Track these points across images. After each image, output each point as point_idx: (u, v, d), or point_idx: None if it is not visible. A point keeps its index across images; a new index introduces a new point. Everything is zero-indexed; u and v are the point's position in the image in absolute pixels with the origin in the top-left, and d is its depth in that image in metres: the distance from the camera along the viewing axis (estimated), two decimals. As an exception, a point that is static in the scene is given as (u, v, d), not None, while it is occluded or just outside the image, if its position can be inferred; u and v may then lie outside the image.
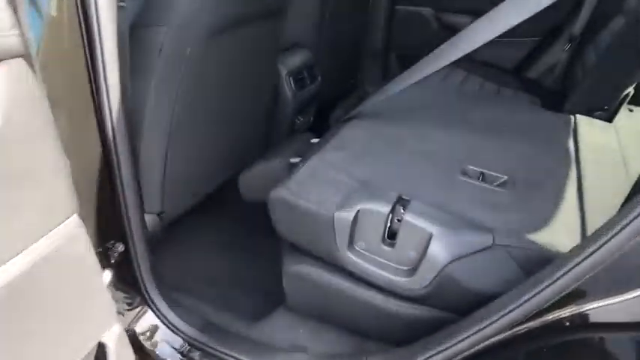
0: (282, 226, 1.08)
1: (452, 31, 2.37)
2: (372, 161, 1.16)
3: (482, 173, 1.18)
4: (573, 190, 1.20)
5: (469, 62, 1.85)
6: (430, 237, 0.94)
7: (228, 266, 1.51)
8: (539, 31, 2.09)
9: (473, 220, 1.00)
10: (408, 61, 2.49)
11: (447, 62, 1.22)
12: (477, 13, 2.32)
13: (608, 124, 1.60)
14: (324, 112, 2.05)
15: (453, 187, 1.11)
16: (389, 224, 0.98)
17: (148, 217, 1.23)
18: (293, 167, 1.26)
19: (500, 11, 1.12)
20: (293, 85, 1.71)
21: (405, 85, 1.31)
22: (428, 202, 1.02)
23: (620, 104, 1.61)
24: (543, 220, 1.04)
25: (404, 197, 1.00)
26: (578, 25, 1.92)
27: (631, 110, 1.70)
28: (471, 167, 1.19)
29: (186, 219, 1.43)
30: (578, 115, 1.59)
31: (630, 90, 1.58)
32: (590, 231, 1.06)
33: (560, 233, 1.02)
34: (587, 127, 1.53)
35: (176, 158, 1.23)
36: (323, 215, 1.00)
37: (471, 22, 2.27)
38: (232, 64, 1.25)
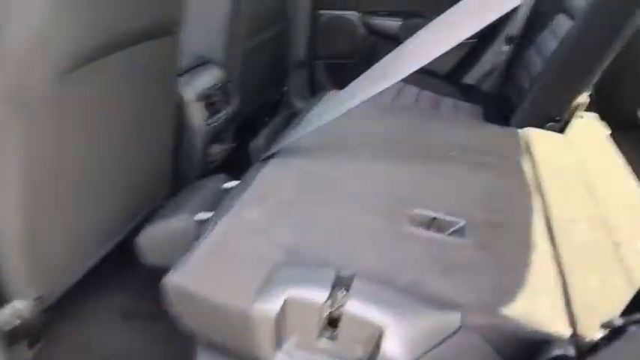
0: (185, 320, 0.81)
1: (380, 35, 2.21)
2: (300, 216, 0.92)
3: (434, 219, 0.97)
4: (542, 227, 1.01)
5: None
6: (381, 331, 0.70)
7: (134, 341, 1.23)
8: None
9: (432, 294, 0.78)
10: (337, 69, 2.31)
11: (391, 82, 0.99)
12: (406, 16, 2.20)
13: (560, 136, 1.44)
14: (247, 136, 1.78)
15: (403, 245, 0.88)
16: (327, 313, 0.73)
17: (22, 304, 0.94)
18: (201, 226, 0.99)
19: (454, 17, 0.90)
20: (203, 110, 1.43)
21: (341, 111, 1.07)
22: (373, 274, 0.79)
23: (572, 114, 1.46)
24: (518, 281, 0.83)
25: (343, 275, 0.76)
26: (516, 25, 1.76)
27: (581, 117, 1.56)
28: (420, 212, 0.97)
29: (77, 287, 1.13)
30: (528, 129, 1.43)
31: (584, 98, 1.43)
32: (570, 283, 0.87)
33: (539, 297, 0.82)
34: (541, 143, 1.36)
35: (45, 228, 0.93)
36: (237, 308, 0.74)
37: (400, 25, 2.14)
38: (110, 98, 0.96)
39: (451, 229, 0.96)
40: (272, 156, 1.12)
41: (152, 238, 1.06)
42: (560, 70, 1.40)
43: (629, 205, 1.16)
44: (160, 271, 0.82)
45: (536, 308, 0.80)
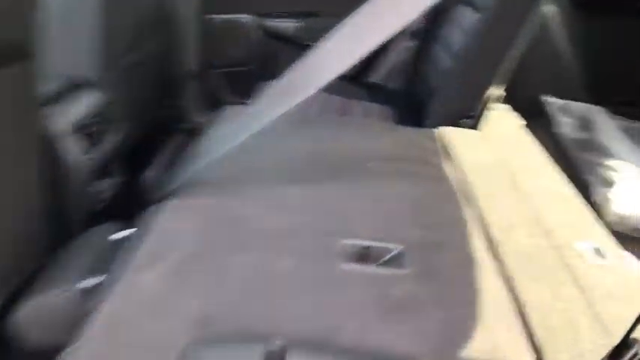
0: None
1: (277, 38, 2.07)
2: (209, 274, 0.75)
3: (366, 248, 0.85)
4: (482, 239, 0.93)
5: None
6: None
7: None
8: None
9: (378, 347, 0.66)
10: (234, 78, 2.14)
11: (307, 95, 0.85)
12: (303, 16, 2.07)
13: (476, 132, 1.39)
14: (141, 164, 1.56)
15: (336, 290, 0.75)
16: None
17: None
18: (87, 296, 0.80)
19: (368, 18, 0.77)
20: (81, 142, 1.21)
21: (248, 133, 0.91)
22: (309, 336, 0.65)
23: (485, 107, 1.41)
24: (469, 313, 0.74)
25: (274, 349, 0.61)
26: (420, 19, 1.70)
27: (494, 109, 1.52)
28: (350, 242, 0.84)
29: None
30: (443, 129, 1.36)
31: (498, 90, 1.39)
32: (523, 302, 0.79)
33: (496, 328, 0.72)
34: (459, 142, 1.29)
35: None
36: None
37: (298, 26, 2.01)
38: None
39: (387, 257, 0.84)
40: (170, 194, 0.94)
41: (26, 318, 0.84)
42: (469, 64, 1.34)
43: (559, 199, 1.12)
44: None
45: (495, 342, 0.71)
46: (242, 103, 1.73)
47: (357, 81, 1.86)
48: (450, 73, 1.39)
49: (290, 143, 1.13)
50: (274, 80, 1.70)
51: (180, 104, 1.96)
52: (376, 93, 1.79)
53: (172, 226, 0.84)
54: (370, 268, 0.80)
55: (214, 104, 1.90)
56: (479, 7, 1.27)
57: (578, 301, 0.81)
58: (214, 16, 1.89)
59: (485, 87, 1.36)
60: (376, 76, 1.86)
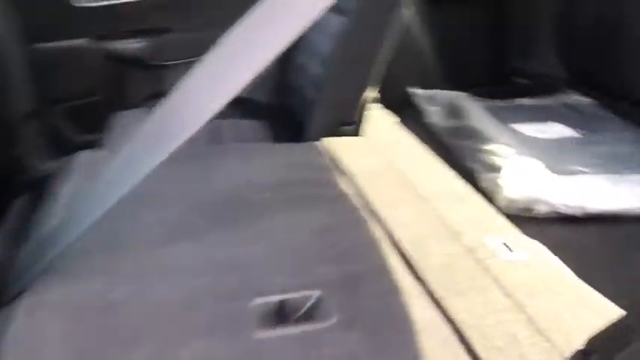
0: None
1: (123, 62, 1.83)
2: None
3: (281, 303, 0.74)
4: (398, 262, 0.87)
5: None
6: None
7: None
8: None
9: None
10: (80, 112, 1.86)
11: (189, 133, 0.70)
12: (150, 34, 1.85)
13: (360, 139, 1.34)
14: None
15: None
16: None
17: None
18: None
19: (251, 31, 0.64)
20: None
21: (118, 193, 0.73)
22: None
23: (362, 112, 1.36)
24: (413, 356, 0.66)
25: None
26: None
27: (369, 111, 1.49)
28: (261, 301, 0.72)
29: None
30: (326, 140, 1.29)
31: (373, 92, 1.35)
32: (458, 322, 0.74)
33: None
34: (345, 152, 1.23)
35: None
36: None
37: (144, 45, 1.80)
38: None
39: (306, 308, 0.74)
40: (22, 292, 0.73)
41: None
42: (341, 70, 1.28)
43: (454, 196, 1.11)
44: None
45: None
46: (94, 142, 1.51)
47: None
48: (322, 81, 1.32)
49: (161, 191, 0.92)
50: (127, 111, 1.48)
51: (19, 152, 1.66)
52: (244, 108, 1.66)
53: (30, 336, 0.65)
54: (291, 328, 0.69)
55: (62, 146, 1.64)
56: (343, 10, 1.21)
57: (508, 309, 0.78)
58: (45, 44, 1.62)
59: (361, 91, 1.31)
60: (243, 90, 1.73)
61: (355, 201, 1.01)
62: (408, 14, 1.26)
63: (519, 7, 1.91)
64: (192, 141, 1.44)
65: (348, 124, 1.34)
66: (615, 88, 1.76)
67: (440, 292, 0.80)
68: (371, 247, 0.86)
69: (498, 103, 1.73)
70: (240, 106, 1.68)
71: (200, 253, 0.82)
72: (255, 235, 0.87)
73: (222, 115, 1.68)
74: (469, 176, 1.27)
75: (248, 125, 1.53)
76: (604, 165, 1.35)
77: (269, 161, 1.16)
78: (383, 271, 0.80)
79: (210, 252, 0.82)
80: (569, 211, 1.18)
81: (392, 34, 1.24)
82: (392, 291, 0.77)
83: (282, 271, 0.79)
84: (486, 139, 1.40)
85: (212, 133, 1.45)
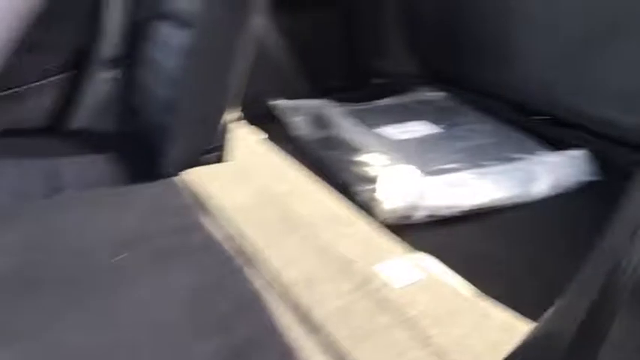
0: None
1: None
2: None
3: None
4: (290, 315, 0.76)
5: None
6: None
7: None
8: (57, 65, 1.44)
9: None
10: None
11: None
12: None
13: (226, 166, 1.21)
14: None
15: None
16: None
17: None
18: None
19: None
20: None
21: None
22: None
23: (224, 135, 1.23)
24: None
25: None
26: (113, 43, 1.38)
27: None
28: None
29: None
30: (187, 173, 1.14)
31: (234, 112, 1.21)
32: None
33: None
34: (213, 186, 1.09)
35: None
36: None
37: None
38: None
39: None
40: None
41: None
42: (194, 90, 1.13)
43: (335, 220, 1.03)
44: None
45: None
46: None
47: (55, 131, 1.45)
48: (173, 104, 1.16)
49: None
50: None
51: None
52: (86, 141, 1.43)
53: None
54: None
55: None
56: (187, 22, 1.05)
57: (414, 345, 0.71)
58: None
59: (220, 111, 1.17)
60: (77, 121, 1.47)
61: (228, 246, 0.88)
62: (260, 23, 1.15)
63: (366, 4, 1.91)
64: (25, 193, 1.18)
65: (210, 150, 1.19)
66: (461, 82, 1.84)
67: (344, 341, 0.71)
68: (254, 305, 0.74)
69: (360, 106, 1.71)
70: (80, 139, 1.43)
71: (36, 353, 0.63)
72: (112, 314, 0.71)
73: (60, 152, 1.42)
74: (345, 189, 1.21)
75: (92, 163, 1.30)
76: (468, 159, 1.39)
77: (121, 209, 0.98)
78: (272, 334, 0.69)
79: (50, 348, 0.64)
80: (447, 212, 1.19)
81: (245, 45, 1.12)
82: (287, 355, 0.66)
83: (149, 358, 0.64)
84: (355, 150, 1.37)
85: (49, 178, 1.20)
